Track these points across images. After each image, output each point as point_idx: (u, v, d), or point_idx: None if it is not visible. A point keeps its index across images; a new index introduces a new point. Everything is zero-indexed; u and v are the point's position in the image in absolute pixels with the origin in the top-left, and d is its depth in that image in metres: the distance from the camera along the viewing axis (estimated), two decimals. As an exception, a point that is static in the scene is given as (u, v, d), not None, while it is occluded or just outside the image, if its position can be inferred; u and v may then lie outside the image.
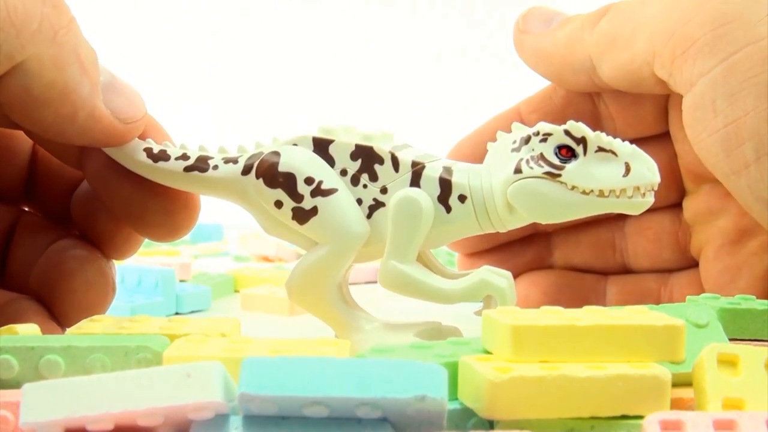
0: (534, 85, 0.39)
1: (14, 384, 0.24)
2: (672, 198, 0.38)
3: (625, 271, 0.40)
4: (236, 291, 0.51)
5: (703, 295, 0.30)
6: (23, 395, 0.19)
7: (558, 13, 0.38)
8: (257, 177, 0.31)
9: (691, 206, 0.38)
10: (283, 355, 0.24)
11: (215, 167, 0.32)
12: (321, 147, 0.31)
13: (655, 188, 0.28)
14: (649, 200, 0.28)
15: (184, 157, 0.32)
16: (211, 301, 0.47)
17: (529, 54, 0.38)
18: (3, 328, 0.28)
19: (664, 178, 0.30)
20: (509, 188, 0.29)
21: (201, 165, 0.32)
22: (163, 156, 0.32)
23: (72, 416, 0.19)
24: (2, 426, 0.21)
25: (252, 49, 1.05)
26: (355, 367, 0.19)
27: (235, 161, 0.32)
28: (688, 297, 0.30)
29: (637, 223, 0.39)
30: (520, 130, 0.30)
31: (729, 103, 0.30)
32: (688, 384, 0.23)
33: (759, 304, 0.29)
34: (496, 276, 0.29)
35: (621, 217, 0.40)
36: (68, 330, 0.29)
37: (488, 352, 0.23)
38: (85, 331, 0.29)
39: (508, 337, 0.22)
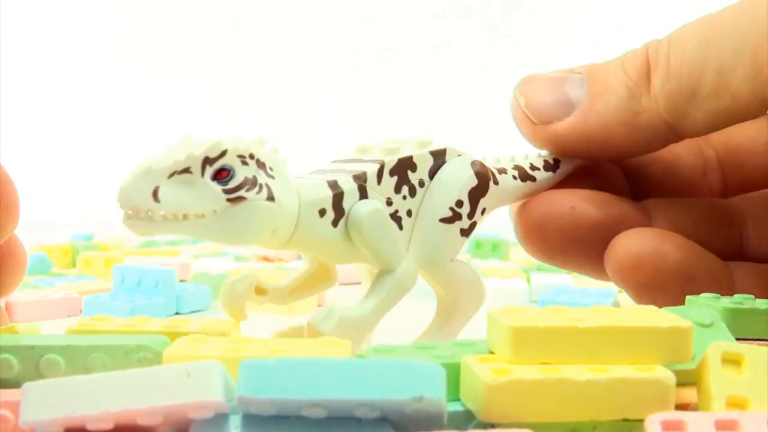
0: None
1: (14, 383, 0.24)
2: None
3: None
4: (236, 291, 0.51)
5: (703, 294, 0.30)
6: (23, 394, 0.19)
7: (558, 78, 0.33)
8: None
9: None
10: (282, 355, 0.24)
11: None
12: None
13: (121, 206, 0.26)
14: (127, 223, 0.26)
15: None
16: (211, 301, 0.47)
17: (567, 148, 0.33)
18: (3, 327, 0.28)
19: None
20: None
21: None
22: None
23: (72, 415, 0.19)
24: (2, 425, 0.21)
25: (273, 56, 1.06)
26: (352, 369, 0.19)
27: None
28: (687, 297, 0.30)
29: None
30: None
31: None
32: (692, 383, 0.23)
33: (761, 304, 0.28)
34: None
35: None
36: (65, 330, 0.29)
37: (493, 353, 0.23)
38: (83, 330, 0.29)
39: (509, 338, 0.22)
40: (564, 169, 0.34)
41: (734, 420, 0.19)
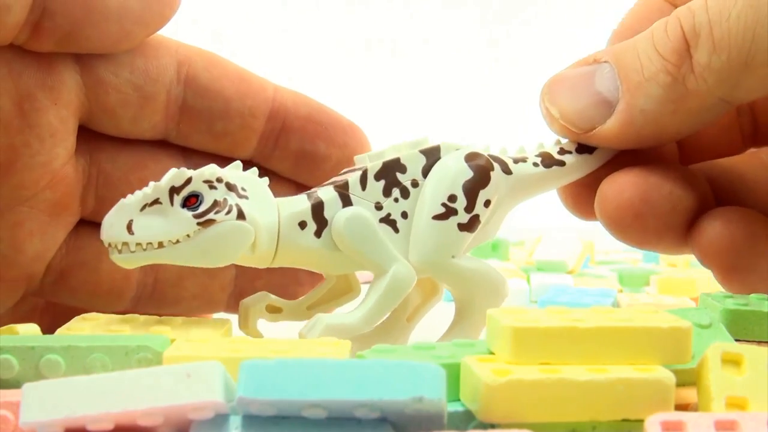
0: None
1: (14, 383, 0.24)
2: None
3: None
4: (236, 291, 0.51)
5: (717, 293, 0.29)
6: (23, 395, 0.19)
7: (584, 75, 0.31)
8: None
9: None
10: (282, 356, 0.24)
11: None
12: None
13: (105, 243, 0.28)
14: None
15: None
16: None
17: (617, 146, 0.31)
18: (3, 328, 0.28)
19: None
20: None
21: None
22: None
23: (72, 416, 0.19)
24: (2, 426, 0.21)
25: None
26: (352, 369, 0.19)
27: None
28: (701, 294, 0.29)
29: None
30: None
31: None
32: (692, 383, 0.23)
33: (764, 306, 0.28)
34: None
35: None
36: (57, 330, 0.29)
37: (493, 353, 0.23)
38: (75, 330, 0.29)
39: (508, 338, 0.22)
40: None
41: (734, 420, 0.19)
